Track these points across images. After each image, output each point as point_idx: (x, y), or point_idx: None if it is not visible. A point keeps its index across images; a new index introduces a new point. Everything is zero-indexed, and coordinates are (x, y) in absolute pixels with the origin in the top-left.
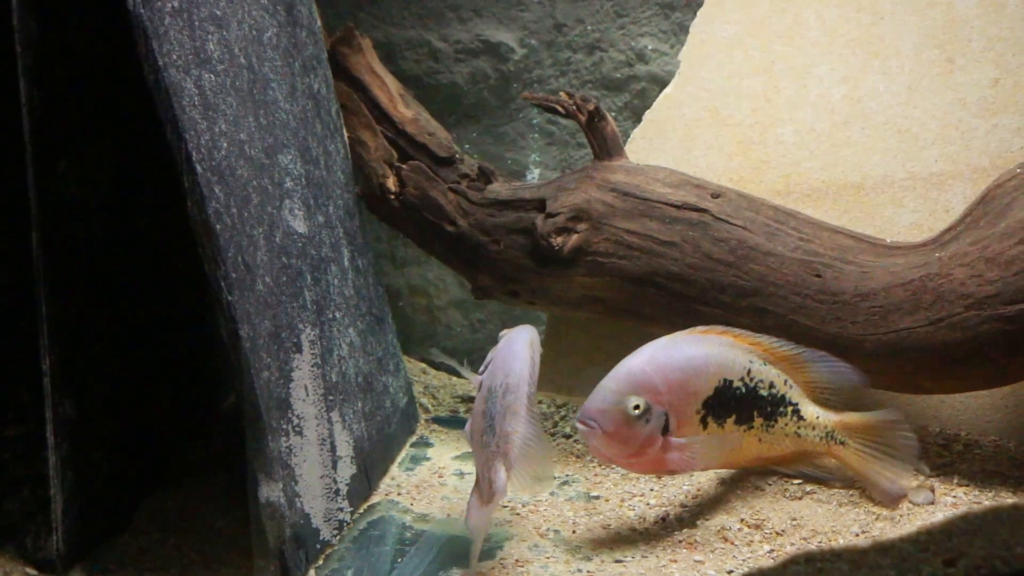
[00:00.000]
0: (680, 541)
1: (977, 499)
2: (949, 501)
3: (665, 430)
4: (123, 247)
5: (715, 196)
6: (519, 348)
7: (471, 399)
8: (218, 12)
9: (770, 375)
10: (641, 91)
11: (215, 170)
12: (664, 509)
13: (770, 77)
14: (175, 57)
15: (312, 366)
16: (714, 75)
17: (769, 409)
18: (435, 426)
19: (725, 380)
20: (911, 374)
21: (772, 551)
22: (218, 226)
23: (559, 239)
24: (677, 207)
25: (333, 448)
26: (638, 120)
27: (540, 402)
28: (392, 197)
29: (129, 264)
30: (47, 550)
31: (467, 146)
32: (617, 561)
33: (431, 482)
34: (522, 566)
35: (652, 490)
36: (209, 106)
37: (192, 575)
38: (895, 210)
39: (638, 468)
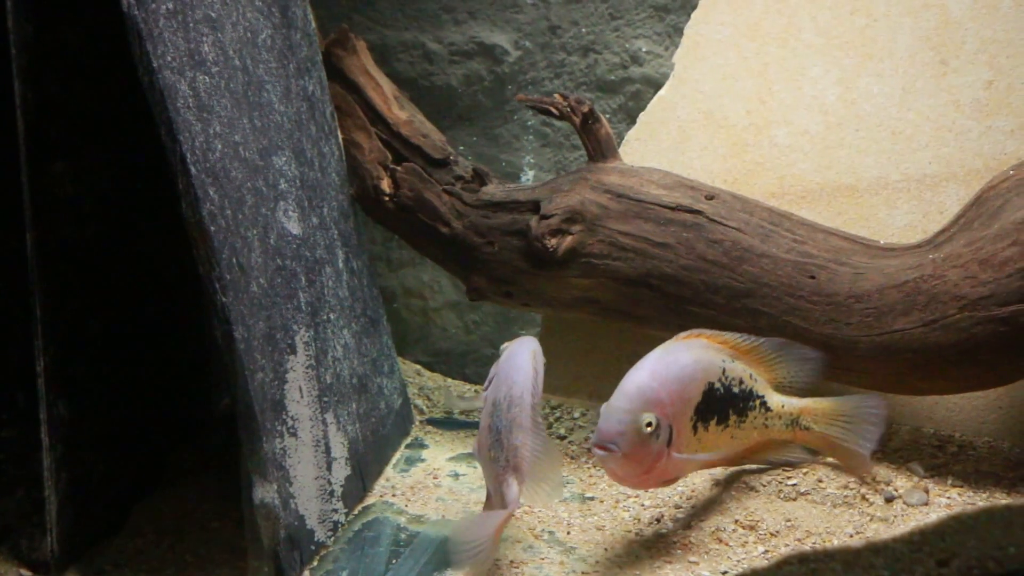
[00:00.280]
0: (675, 542)
1: (971, 500)
2: (943, 502)
3: (668, 442)
4: (118, 248)
5: (709, 198)
6: (521, 361)
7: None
8: (212, 14)
9: (739, 371)
10: (635, 93)
11: (209, 172)
12: (659, 510)
13: (764, 79)
14: (169, 59)
15: (306, 367)
16: (708, 77)
17: (741, 405)
18: (430, 428)
19: (709, 384)
20: (905, 375)
21: (767, 552)
22: (212, 228)
23: (553, 241)
24: (671, 209)
25: (328, 449)
26: (632, 122)
27: None
28: (386, 199)
29: (124, 266)
30: (42, 551)
31: (462, 148)
32: (612, 562)
33: (426, 483)
34: (517, 567)
35: (646, 492)
36: (203, 108)
37: None
38: (889, 212)
39: (646, 485)
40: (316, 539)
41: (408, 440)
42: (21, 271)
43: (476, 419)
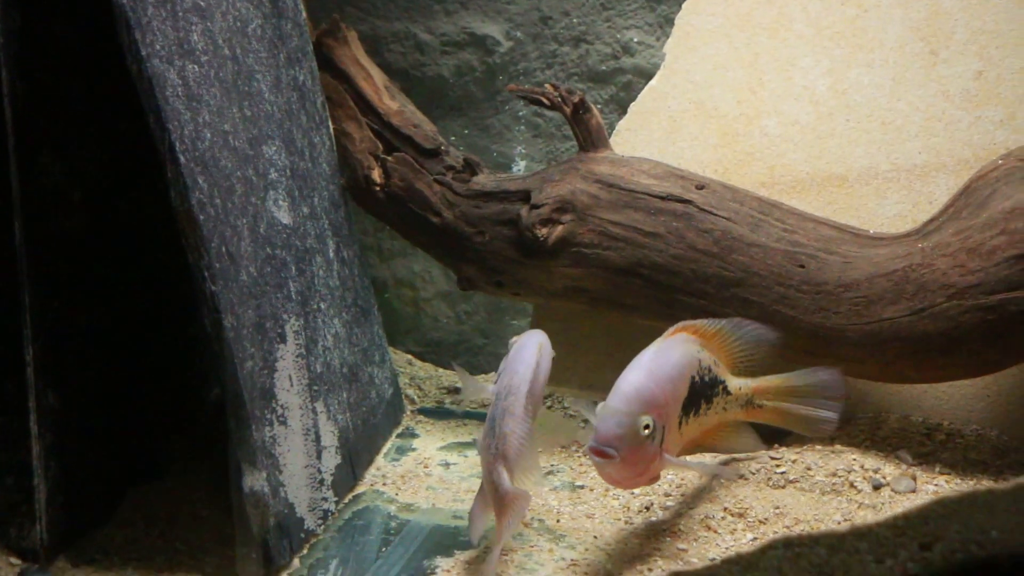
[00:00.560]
0: (664, 530)
1: (959, 487)
2: (931, 489)
3: (660, 442)
4: (107, 238)
5: (699, 187)
6: (526, 353)
7: (457, 390)
8: (202, 3)
9: (708, 360)
10: (627, 83)
11: (198, 160)
12: (648, 498)
13: (755, 69)
14: (158, 47)
15: (296, 356)
16: (699, 67)
17: (709, 393)
18: (421, 417)
19: (692, 379)
20: (893, 363)
21: (755, 539)
22: (201, 216)
23: (544, 230)
24: (662, 198)
25: (318, 438)
26: (623, 112)
27: None
28: (377, 189)
29: (113, 255)
30: (31, 540)
31: (453, 138)
32: (601, 550)
33: (416, 472)
34: (506, 555)
35: None
36: (192, 97)
37: (177, 565)
38: (879, 201)
39: (636, 485)
40: (306, 527)
41: (399, 429)
42: (10, 261)
43: (472, 409)
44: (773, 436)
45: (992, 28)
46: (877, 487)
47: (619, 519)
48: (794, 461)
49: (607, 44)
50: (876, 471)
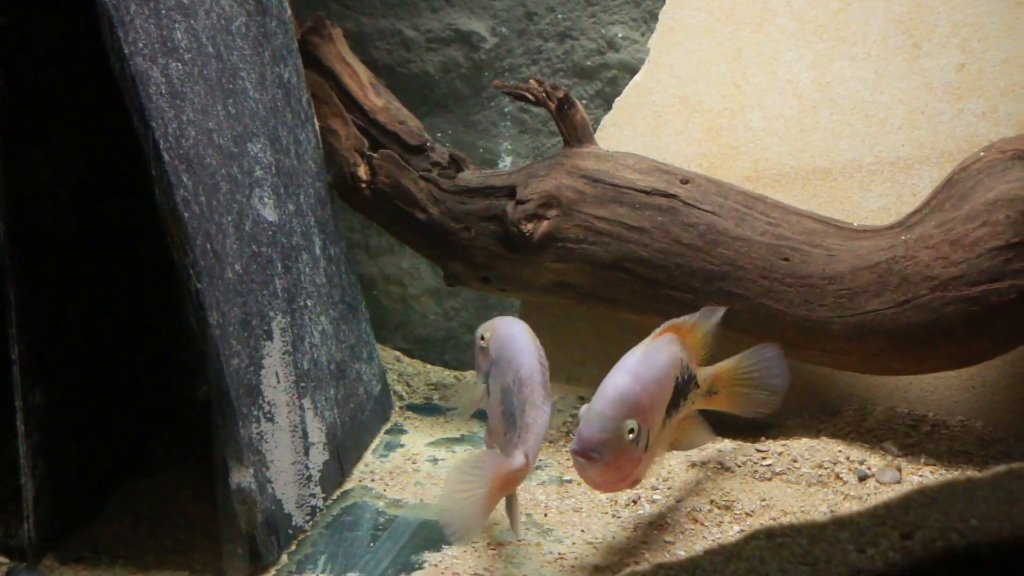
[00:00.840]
0: (651, 523)
1: (944, 478)
2: (916, 480)
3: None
4: (93, 235)
5: (684, 182)
6: (523, 342)
7: (446, 386)
8: (185, 1)
9: (686, 357)
10: (612, 79)
11: (183, 158)
12: (635, 492)
13: (739, 63)
14: (141, 45)
15: (283, 353)
16: (683, 62)
17: (686, 389)
18: (409, 413)
19: (675, 379)
20: (878, 355)
21: (742, 531)
22: (186, 214)
23: (529, 226)
24: (647, 193)
25: (305, 434)
26: (609, 107)
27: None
28: (363, 185)
29: (99, 252)
30: (18, 538)
31: (439, 135)
32: (588, 543)
33: (404, 468)
34: (494, 549)
35: None
36: (176, 94)
37: (165, 562)
38: (863, 194)
39: (619, 489)
40: (294, 523)
41: (387, 426)
42: None
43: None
44: (759, 429)
45: (974, 21)
46: (863, 478)
47: (607, 513)
48: (780, 453)
49: (592, 40)
50: (862, 462)
